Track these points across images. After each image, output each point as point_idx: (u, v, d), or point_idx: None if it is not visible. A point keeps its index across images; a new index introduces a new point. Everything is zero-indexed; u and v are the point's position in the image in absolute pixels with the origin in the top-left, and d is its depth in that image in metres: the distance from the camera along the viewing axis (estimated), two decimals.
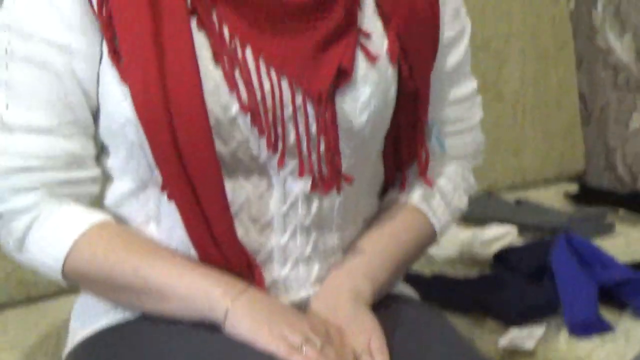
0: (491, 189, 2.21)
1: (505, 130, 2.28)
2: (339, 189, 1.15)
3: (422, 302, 1.32)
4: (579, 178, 2.42)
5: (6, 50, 1.12)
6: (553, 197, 2.24)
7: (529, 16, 2.29)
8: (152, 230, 1.16)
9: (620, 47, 2.32)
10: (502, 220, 1.96)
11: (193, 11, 1.09)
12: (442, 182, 1.29)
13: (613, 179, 2.40)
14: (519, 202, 2.15)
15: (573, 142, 2.40)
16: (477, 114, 1.33)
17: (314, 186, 1.14)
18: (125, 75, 1.08)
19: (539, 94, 2.34)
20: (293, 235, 1.16)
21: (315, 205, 1.16)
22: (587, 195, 2.23)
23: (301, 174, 1.13)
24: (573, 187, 2.30)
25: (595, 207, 2.13)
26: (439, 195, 1.28)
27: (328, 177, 1.14)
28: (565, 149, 2.39)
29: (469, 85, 1.31)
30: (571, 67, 2.38)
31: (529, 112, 2.32)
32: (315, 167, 1.13)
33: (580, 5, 2.38)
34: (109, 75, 1.10)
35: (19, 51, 1.11)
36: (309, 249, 1.18)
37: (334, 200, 1.17)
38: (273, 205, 1.14)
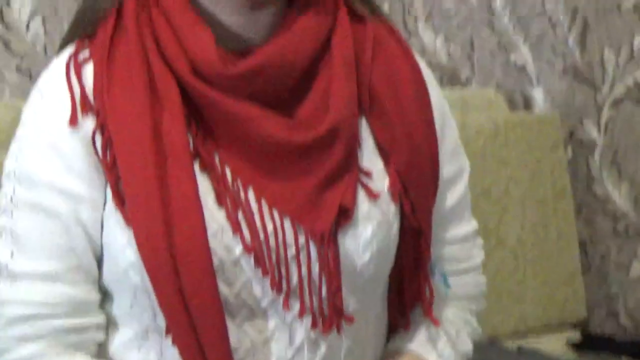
0: (493, 336, 2.20)
1: (506, 277, 2.28)
2: (339, 329, 1.13)
3: None
4: (581, 325, 2.41)
5: (11, 199, 1.13)
6: (555, 345, 2.23)
7: (528, 164, 2.33)
8: None
9: (618, 195, 2.34)
10: None
11: (196, 154, 1.11)
12: (445, 324, 1.27)
13: (615, 326, 2.38)
14: (521, 350, 2.14)
15: (574, 289, 2.40)
16: (478, 256, 1.33)
17: (314, 325, 1.12)
18: (129, 219, 1.09)
19: (540, 241, 2.34)
20: None
21: (321, 349, 1.14)
22: (590, 342, 2.22)
23: (302, 314, 1.12)
24: (575, 335, 2.28)
25: (598, 355, 2.11)
26: (445, 337, 1.26)
27: (329, 316, 1.13)
28: (566, 296, 2.39)
29: (469, 225, 1.31)
30: (570, 214, 2.40)
31: (530, 259, 2.33)
32: (317, 307, 1.12)
33: (578, 153, 2.41)
34: (113, 220, 1.11)
35: (24, 199, 1.12)
36: None
37: (340, 344, 1.15)
38: (279, 351, 1.13)
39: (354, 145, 1.15)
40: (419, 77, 1.20)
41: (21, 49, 2.04)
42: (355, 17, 1.19)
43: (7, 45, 2.03)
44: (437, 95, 1.24)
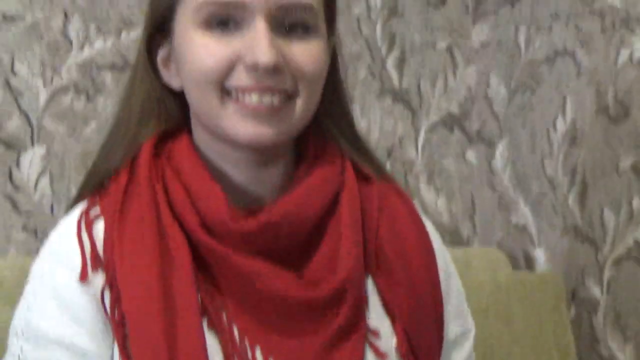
0: None
1: None
2: None
3: None
4: None
5: (18, 357, 1.13)
6: None
7: (531, 323, 2.31)
8: None
9: (623, 356, 2.32)
10: None
11: (204, 311, 1.11)
12: None
13: None
14: None
15: None
16: None
17: None
18: None
19: None
20: None
21: None
22: None
23: None
24: None
25: None
26: None
27: None
28: None
29: None
30: None
31: None
32: None
33: (581, 312, 2.40)
34: None
35: (32, 357, 1.12)
36: None
37: None
38: None
39: (361, 303, 1.15)
40: (425, 238, 1.22)
41: (28, 208, 2.07)
42: (362, 177, 1.21)
43: (14, 204, 2.06)
44: (442, 255, 1.26)
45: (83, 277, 1.11)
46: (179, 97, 1.20)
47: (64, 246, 1.14)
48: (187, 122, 1.20)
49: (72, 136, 2.12)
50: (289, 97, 1.13)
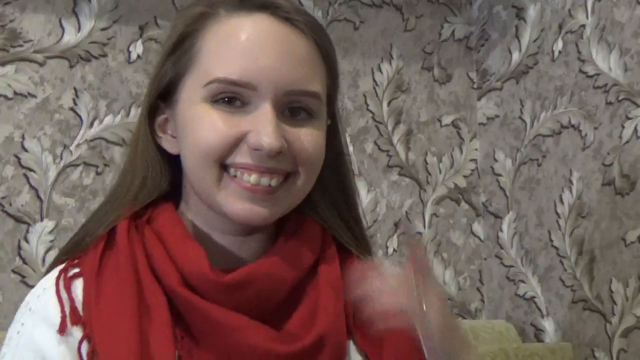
0: None
1: None
2: None
3: None
4: None
5: None
6: None
7: None
8: None
9: None
10: None
11: None
12: None
13: None
14: None
15: None
16: None
17: None
18: None
19: None
20: None
21: None
22: None
23: None
24: None
25: None
26: None
27: None
28: None
29: None
30: None
31: None
32: None
33: None
34: None
35: None
36: None
37: None
38: None
39: (341, 356, 1.15)
40: None
41: (35, 282, 2.06)
42: (345, 252, 1.23)
43: (22, 278, 2.07)
44: None
45: (62, 329, 1.11)
46: (174, 160, 1.21)
47: (42, 303, 1.14)
48: (180, 183, 1.22)
49: (80, 211, 2.14)
50: (287, 176, 1.15)
